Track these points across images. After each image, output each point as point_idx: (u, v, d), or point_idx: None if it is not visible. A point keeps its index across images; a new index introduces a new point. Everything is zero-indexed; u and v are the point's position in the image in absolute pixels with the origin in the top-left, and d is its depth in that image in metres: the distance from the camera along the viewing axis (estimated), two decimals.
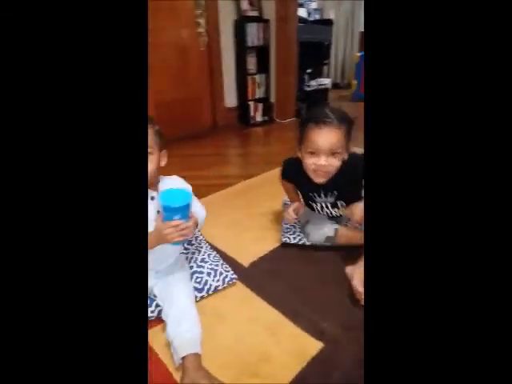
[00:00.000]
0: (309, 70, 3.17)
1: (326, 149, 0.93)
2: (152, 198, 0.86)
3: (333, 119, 0.92)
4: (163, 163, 0.88)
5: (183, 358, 0.72)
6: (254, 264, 1.12)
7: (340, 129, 0.93)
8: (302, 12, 3.21)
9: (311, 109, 1.00)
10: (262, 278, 1.05)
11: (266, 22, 2.75)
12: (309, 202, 1.19)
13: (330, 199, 1.12)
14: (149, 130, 0.81)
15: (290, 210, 1.15)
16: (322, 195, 1.12)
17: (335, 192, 1.09)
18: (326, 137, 0.92)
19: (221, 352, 0.79)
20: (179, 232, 0.76)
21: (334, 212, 1.17)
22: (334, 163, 0.96)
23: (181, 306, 0.81)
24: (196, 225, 0.83)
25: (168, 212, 0.75)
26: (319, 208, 1.17)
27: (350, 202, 1.08)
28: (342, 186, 1.05)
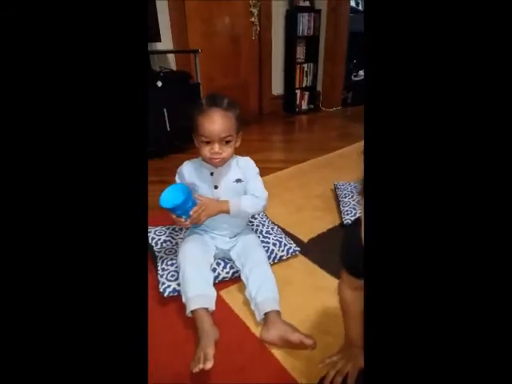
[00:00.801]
0: (355, 61, 3.16)
1: None
2: (211, 174, 0.93)
3: None
4: (238, 144, 0.93)
5: (266, 314, 0.79)
6: (313, 240, 1.19)
7: None
8: (354, 2, 3.17)
9: None
10: (322, 252, 1.11)
11: (318, 11, 2.77)
12: None
13: None
14: (232, 116, 0.85)
15: None
16: None
17: None
18: None
19: (291, 313, 0.85)
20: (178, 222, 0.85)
21: None
22: None
23: (262, 270, 0.89)
24: (227, 212, 0.88)
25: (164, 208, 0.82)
26: None
27: None
28: None
